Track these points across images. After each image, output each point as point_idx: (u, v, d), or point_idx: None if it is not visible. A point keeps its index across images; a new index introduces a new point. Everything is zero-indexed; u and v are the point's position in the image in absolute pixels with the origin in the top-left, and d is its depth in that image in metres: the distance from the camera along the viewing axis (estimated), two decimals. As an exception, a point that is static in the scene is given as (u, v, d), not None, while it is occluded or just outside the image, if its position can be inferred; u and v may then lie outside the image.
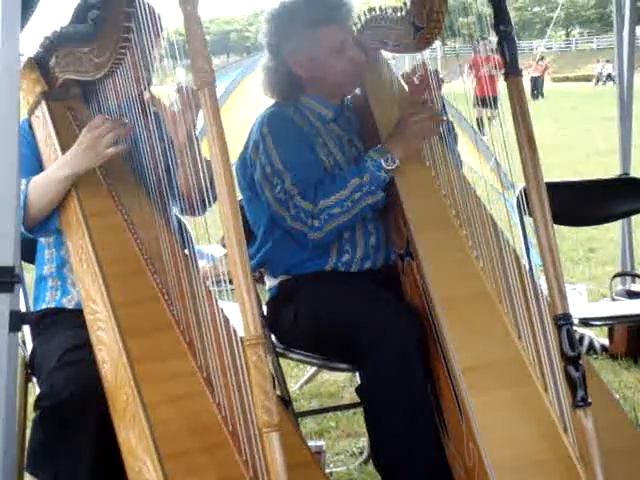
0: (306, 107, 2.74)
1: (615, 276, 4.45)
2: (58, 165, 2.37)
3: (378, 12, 2.64)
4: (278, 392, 2.64)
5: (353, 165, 2.62)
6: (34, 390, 2.39)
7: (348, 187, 2.55)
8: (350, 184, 2.55)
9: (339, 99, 2.78)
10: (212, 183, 1.88)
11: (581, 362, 2.06)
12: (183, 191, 2.37)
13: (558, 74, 40.61)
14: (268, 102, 2.84)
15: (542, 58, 29.78)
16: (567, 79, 40.38)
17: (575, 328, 2.12)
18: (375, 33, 2.64)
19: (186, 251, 2.40)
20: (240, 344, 1.93)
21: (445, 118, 2.68)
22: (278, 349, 2.80)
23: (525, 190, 2.15)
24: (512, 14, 2.16)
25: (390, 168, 2.55)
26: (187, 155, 2.25)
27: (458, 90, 2.94)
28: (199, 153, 2.18)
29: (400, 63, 2.95)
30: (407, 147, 2.58)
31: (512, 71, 2.12)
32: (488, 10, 2.16)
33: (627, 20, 4.64)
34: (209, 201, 2.12)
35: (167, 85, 2.41)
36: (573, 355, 2.05)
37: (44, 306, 2.52)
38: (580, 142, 14.74)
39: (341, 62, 2.66)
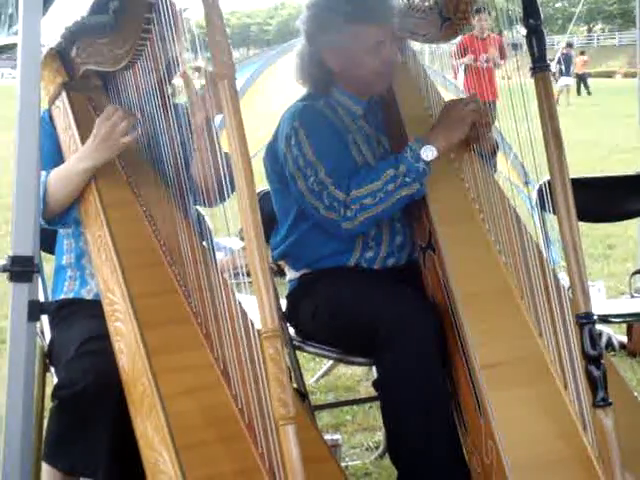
0: (336, 101, 2.72)
1: (635, 273, 4.42)
2: (77, 158, 2.37)
3: (405, 1, 2.61)
4: (294, 385, 2.64)
5: (391, 156, 2.60)
6: (52, 380, 2.40)
7: (382, 178, 2.53)
8: (384, 175, 2.53)
9: (369, 95, 2.75)
10: (230, 174, 1.88)
11: (602, 361, 2.04)
12: (198, 179, 2.36)
13: (580, 70, 40.31)
14: (288, 95, 2.83)
15: (582, 53, 29.59)
16: (589, 75, 40.11)
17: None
18: (403, 22, 2.61)
19: (204, 243, 2.40)
20: (257, 337, 1.93)
21: (488, 111, 2.65)
22: (295, 342, 2.79)
23: (546, 186, 2.13)
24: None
25: (429, 160, 2.51)
26: (204, 141, 2.24)
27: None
28: (217, 142, 2.18)
29: (420, 56, 2.92)
30: (449, 137, 2.55)
31: (540, 66, 2.10)
32: (512, 5, 2.14)
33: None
34: (226, 192, 2.12)
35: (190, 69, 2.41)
36: (594, 354, 2.04)
37: (62, 296, 2.53)
38: (601, 139, 14.65)
39: (374, 62, 2.62)
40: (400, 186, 2.52)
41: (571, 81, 26.52)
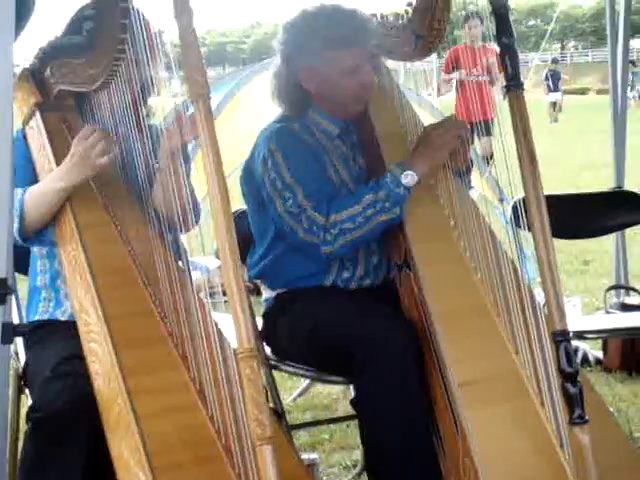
0: (312, 122, 2.72)
1: (609, 289, 4.45)
2: (53, 177, 2.36)
3: (379, 19, 2.62)
4: (271, 405, 2.64)
5: (372, 181, 2.59)
6: (27, 402, 2.38)
7: (362, 202, 2.53)
8: (364, 199, 2.53)
9: (345, 116, 2.75)
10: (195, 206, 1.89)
11: (579, 379, 2.05)
12: (161, 208, 2.35)
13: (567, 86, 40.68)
14: (264, 114, 2.83)
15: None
16: (563, 92, 40.47)
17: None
18: (377, 41, 2.61)
19: (180, 263, 2.39)
20: (233, 357, 1.93)
21: (467, 126, 2.65)
22: (272, 361, 2.79)
23: (520, 203, 2.14)
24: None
25: (409, 185, 2.51)
26: (168, 173, 2.25)
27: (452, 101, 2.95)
28: (184, 175, 2.19)
29: (395, 74, 2.93)
30: (432, 162, 2.55)
31: (514, 84, 2.11)
32: (487, 23, 2.15)
33: (621, 34, 4.66)
34: (191, 222, 2.15)
35: (163, 97, 2.42)
36: (571, 371, 2.04)
37: (37, 317, 2.51)
38: (575, 155, 14.76)
39: (352, 84, 2.62)
40: (380, 211, 2.52)
41: (560, 97, 26.71)
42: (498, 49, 2.16)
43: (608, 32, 4.74)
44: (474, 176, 5.02)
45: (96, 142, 2.31)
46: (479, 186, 5.29)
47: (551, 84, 25.67)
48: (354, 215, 2.53)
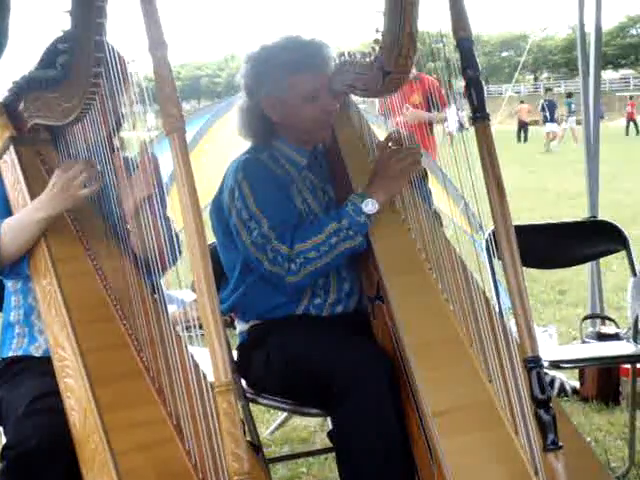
0: (280, 153, 2.75)
1: (585, 318, 4.47)
2: (32, 208, 2.35)
3: (347, 57, 2.66)
4: (248, 438, 2.62)
5: (333, 210, 2.62)
6: (1, 440, 2.35)
7: (325, 231, 2.56)
8: (327, 228, 2.56)
9: (311, 145, 2.79)
10: (172, 243, 1.88)
11: (551, 405, 2.05)
12: (139, 253, 2.35)
13: (527, 118, 41.11)
14: (239, 147, 2.85)
15: (522, 102, 30.20)
16: (536, 122, 40.86)
17: (546, 371, 2.12)
18: (344, 78, 2.65)
19: (156, 296, 2.38)
20: (210, 390, 1.92)
21: (420, 149, 2.68)
22: (248, 394, 2.78)
23: (494, 233, 2.15)
24: (481, 59, 2.19)
25: (371, 213, 2.55)
26: (143, 216, 2.25)
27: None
28: (162, 209, 2.19)
29: (370, 107, 2.96)
30: (389, 189, 2.59)
31: (480, 115, 2.13)
32: (456, 55, 2.17)
33: (592, 65, 4.72)
34: (170, 262, 2.15)
35: (138, 130, 2.42)
36: (543, 398, 2.04)
37: (10, 353, 2.49)
38: (550, 184, 14.89)
39: (313, 110, 2.67)
40: (343, 239, 2.55)
41: (556, 128, 26.82)
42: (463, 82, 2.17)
43: (579, 64, 4.81)
44: (451, 207, 5.05)
45: (78, 173, 2.31)
46: (455, 217, 5.33)
47: (548, 115, 25.75)
48: (318, 244, 2.55)
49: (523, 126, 30.45)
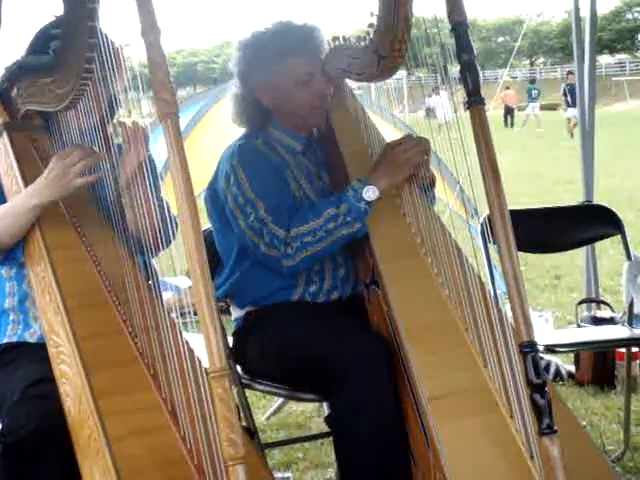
0: (274, 139, 2.74)
1: (580, 302, 4.48)
2: (27, 194, 2.34)
3: (342, 41, 2.64)
4: (244, 423, 2.62)
5: (333, 195, 2.61)
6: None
7: (323, 216, 2.55)
8: (325, 213, 2.55)
9: (306, 131, 2.78)
10: (166, 223, 1.87)
11: (547, 389, 2.06)
12: (135, 231, 2.34)
13: (524, 102, 41.09)
14: (234, 133, 2.84)
15: (508, 87, 30.24)
16: (522, 108, 40.88)
17: (541, 355, 2.13)
18: (339, 62, 2.64)
19: (150, 283, 2.38)
20: (205, 376, 1.92)
21: (430, 142, 2.66)
22: (244, 380, 2.78)
23: (489, 218, 2.15)
24: (477, 44, 2.17)
25: (371, 200, 2.53)
26: (135, 192, 2.24)
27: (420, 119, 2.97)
28: (155, 191, 2.18)
29: (366, 93, 2.95)
30: (393, 178, 2.57)
31: (475, 99, 2.13)
32: (451, 40, 2.17)
33: (587, 50, 4.71)
34: (166, 240, 2.13)
35: (133, 117, 2.41)
36: (539, 382, 2.04)
37: (5, 340, 2.49)
38: (546, 170, 14.89)
39: (306, 94, 2.66)
40: (341, 225, 2.54)
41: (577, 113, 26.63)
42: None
43: (574, 49, 4.80)
44: (446, 192, 5.05)
45: (76, 161, 2.29)
46: (450, 202, 5.33)
47: (569, 99, 25.31)
48: (315, 229, 2.54)
49: (509, 111, 30.46)
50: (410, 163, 2.58)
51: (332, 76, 2.69)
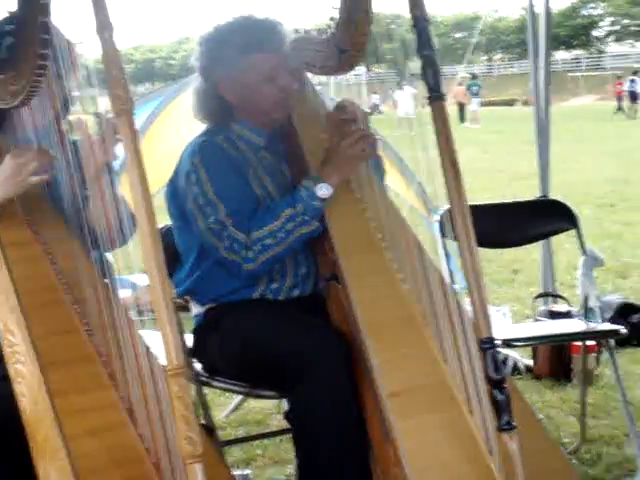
0: (237, 135, 2.72)
1: (537, 297, 4.52)
2: None
3: (303, 34, 2.63)
4: (203, 421, 2.62)
5: (288, 195, 2.60)
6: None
7: (281, 217, 2.53)
8: (283, 214, 2.53)
9: (269, 126, 2.75)
10: (123, 220, 1.86)
11: (506, 385, 2.07)
12: (95, 224, 2.33)
13: (482, 98, 41.45)
14: (192, 129, 2.82)
15: (460, 84, 30.48)
16: (491, 103, 41.19)
17: (500, 349, 2.14)
18: (302, 55, 2.62)
19: (107, 280, 2.36)
20: (162, 374, 1.91)
21: (378, 136, 2.67)
22: (203, 378, 2.77)
23: (447, 213, 2.16)
24: (435, 40, 2.17)
25: (325, 197, 2.53)
26: (99, 187, 2.23)
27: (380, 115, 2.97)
28: (113, 188, 2.17)
29: (325, 90, 2.94)
30: (342, 173, 2.56)
31: (435, 95, 2.13)
32: (411, 36, 2.17)
33: (542, 46, 4.76)
34: (124, 236, 2.12)
35: (88, 114, 2.39)
36: (498, 378, 2.06)
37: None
38: (505, 165, 15.00)
39: (271, 90, 2.64)
40: (299, 225, 2.53)
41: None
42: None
43: (530, 45, 4.84)
44: (404, 188, 5.07)
45: (30, 160, 2.27)
46: (409, 197, 5.35)
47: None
48: (275, 231, 2.53)
49: (461, 107, 30.75)
50: (357, 158, 2.57)
51: (296, 69, 2.67)
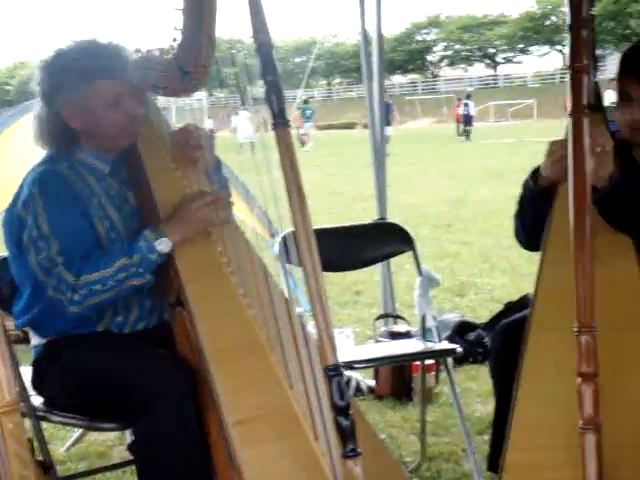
0: (80, 163, 2.63)
1: (378, 318, 4.60)
2: None
3: (145, 53, 2.59)
4: (40, 457, 2.52)
5: (126, 242, 2.53)
6: None
7: (114, 265, 2.46)
8: (117, 262, 2.46)
9: (114, 151, 2.68)
10: None
11: (351, 412, 2.09)
12: None
13: (322, 122, 42.12)
14: (27, 159, 2.73)
15: (298, 108, 31.04)
16: (331, 127, 41.93)
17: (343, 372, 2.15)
18: (143, 75, 2.54)
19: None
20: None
21: (231, 201, 2.65)
22: (40, 412, 2.66)
23: (287, 238, 2.17)
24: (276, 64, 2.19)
25: (163, 252, 2.48)
26: None
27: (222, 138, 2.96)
28: None
29: (168, 114, 2.89)
30: (186, 233, 2.51)
31: (280, 121, 2.13)
32: (253, 61, 2.17)
33: (376, 71, 4.85)
34: None
35: None
36: (343, 405, 2.08)
37: None
38: (345, 188, 15.23)
39: (116, 116, 2.57)
40: (131, 276, 2.47)
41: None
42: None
43: (364, 68, 4.93)
44: (245, 212, 5.07)
45: None
46: (251, 221, 5.35)
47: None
48: (105, 277, 2.46)
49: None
50: (204, 221, 2.54)
51: (139, 90, 2.61)
